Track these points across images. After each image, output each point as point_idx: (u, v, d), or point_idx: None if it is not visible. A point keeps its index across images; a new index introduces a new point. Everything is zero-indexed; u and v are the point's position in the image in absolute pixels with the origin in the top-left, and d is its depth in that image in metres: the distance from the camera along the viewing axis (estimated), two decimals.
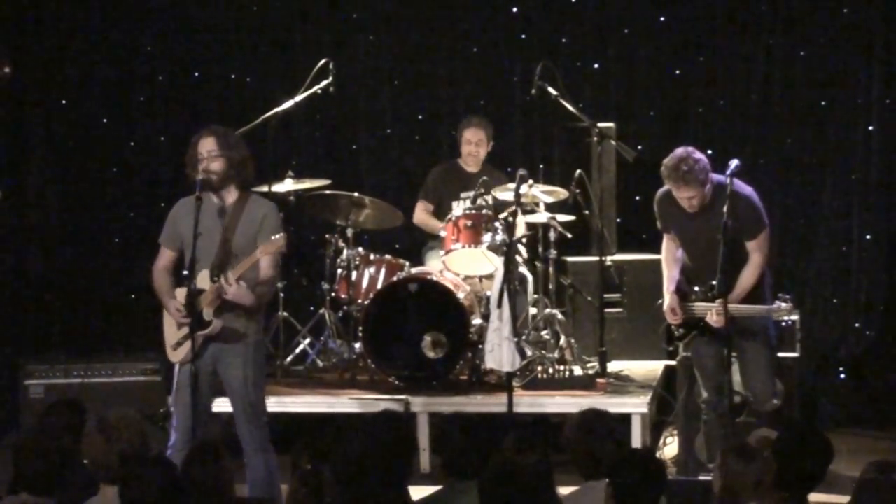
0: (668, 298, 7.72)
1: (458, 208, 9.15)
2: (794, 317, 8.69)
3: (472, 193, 9.23)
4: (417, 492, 5.55)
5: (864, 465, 5.25)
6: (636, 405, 8.46)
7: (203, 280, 6.97)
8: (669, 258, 7.82)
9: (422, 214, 9.55)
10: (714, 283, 7.44)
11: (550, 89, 9.08)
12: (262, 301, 7.10)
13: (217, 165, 7.01)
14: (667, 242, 7.85)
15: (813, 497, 5.47)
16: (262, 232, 7.00)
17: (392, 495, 5.20)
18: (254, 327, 7.13)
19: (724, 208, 7.25)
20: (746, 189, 7.60)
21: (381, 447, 5.20)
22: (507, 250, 7.90)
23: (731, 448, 5.37)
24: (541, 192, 8.95)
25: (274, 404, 8.61)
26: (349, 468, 5.18)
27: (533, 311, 9.15)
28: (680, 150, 7.49)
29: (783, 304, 7.52)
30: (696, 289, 7.66)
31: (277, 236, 6.90)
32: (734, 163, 7.46)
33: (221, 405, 7.55)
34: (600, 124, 9.31)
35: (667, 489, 5.20)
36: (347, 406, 8.58)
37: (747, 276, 7.56)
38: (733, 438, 7.31)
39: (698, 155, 7.46)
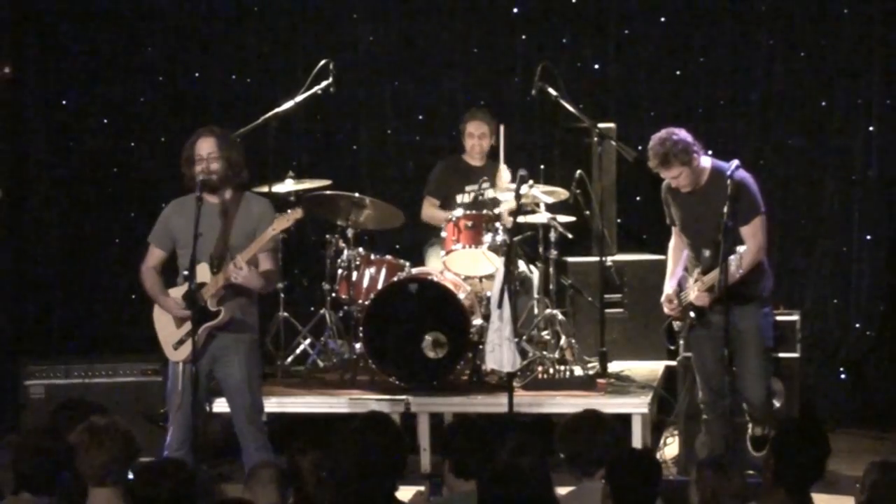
0: (667, 289, 7.72)
1: (460, 207, 9.15)
2: (795, 317, 8.68)
3: (476, 187, 9.23)
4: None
5: (866, 466, 5.25)
6: (637, 405, 8.45)
7: (203, 274, 6.99)
8: (676, 254, 7.79)
9: (429, 210, 9.51)
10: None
11: (550, 90, 9.08)
12: (265, 290, 7.14)
13: (217, 166, 7.06)
14: (675, 238, 7.82)
15: (815, 497, 5.47)
16: (259, 228, 7.05)
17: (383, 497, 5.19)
18: (253, 323, 7.17)
19: (725, 209, 7.24)
20: (741, 174, 7.48)
21: (371, 450, 5.19)
22: (507, 250, 7.90)
23: (705, 462, 5.35)
24: (541, 193, 8.94)
25: (274, 405, 8.62)
26: (340, 473, 5.17)
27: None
28: (661, 132, 7.44)
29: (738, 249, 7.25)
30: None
31: (291, 210, 6.94)
32: (734, 163, 7.45)
33: (222, 405, 7.55)
34: (600, 125, 9.30)
35: (665, 489, 5.20)
36: (348, 406, 8.57)
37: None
38: (730, 439, 7.32)
39: (678, 135, 7.38)
